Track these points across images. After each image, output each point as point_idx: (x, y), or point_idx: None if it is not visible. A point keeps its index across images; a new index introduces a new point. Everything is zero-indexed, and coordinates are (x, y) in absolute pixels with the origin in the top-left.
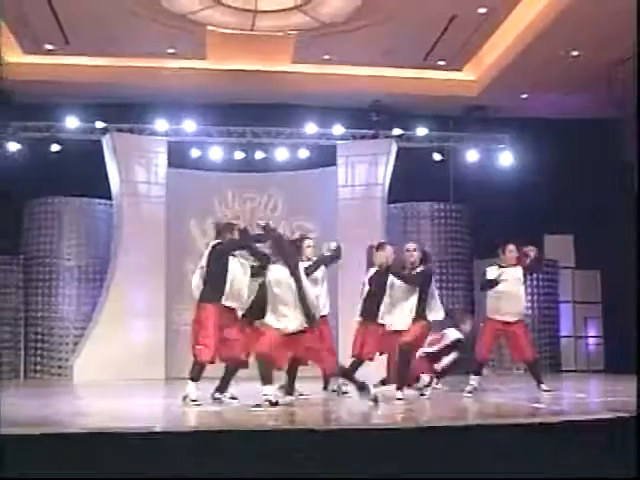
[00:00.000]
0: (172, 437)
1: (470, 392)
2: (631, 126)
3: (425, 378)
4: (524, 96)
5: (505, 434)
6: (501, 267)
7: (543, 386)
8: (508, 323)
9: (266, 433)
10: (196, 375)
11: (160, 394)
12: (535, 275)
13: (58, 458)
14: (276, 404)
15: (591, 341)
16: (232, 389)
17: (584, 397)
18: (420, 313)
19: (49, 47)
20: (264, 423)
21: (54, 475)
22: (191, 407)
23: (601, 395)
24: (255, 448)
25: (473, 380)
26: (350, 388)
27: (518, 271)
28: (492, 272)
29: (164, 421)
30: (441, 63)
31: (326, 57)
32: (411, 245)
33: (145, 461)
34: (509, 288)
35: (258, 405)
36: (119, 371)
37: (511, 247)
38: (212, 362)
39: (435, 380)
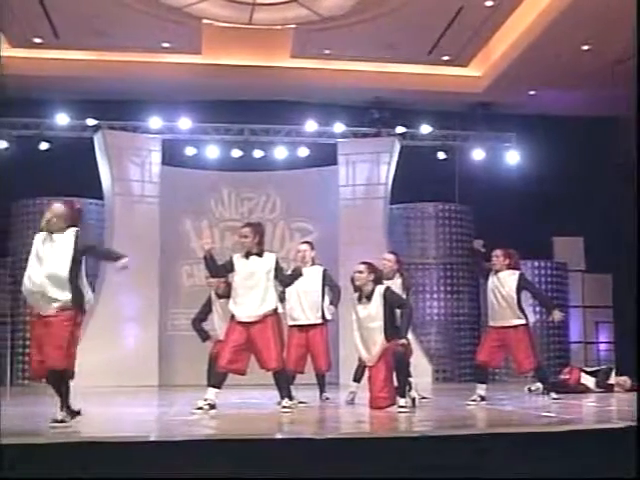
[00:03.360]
0: (167, 446)
1: (474, 400)
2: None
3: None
4: (532, 92)
5: (511, 443)
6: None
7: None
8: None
9: (264, 442)
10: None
11: (154, 402)
12: (544, 279)
13: (46, 469)
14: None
15: (602, 347)
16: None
17: (595, 405)
18: None
19: (38, 40)
20: (262, 431)
21: None
22: (190, 415)
23: (613, 403)
24: (254, 457)
25: (480, 388)
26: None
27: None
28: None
29: (158, 430)
30: (446, 58)
31: (326, 52)
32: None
33: (138, 471)
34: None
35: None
36: (111, 378)
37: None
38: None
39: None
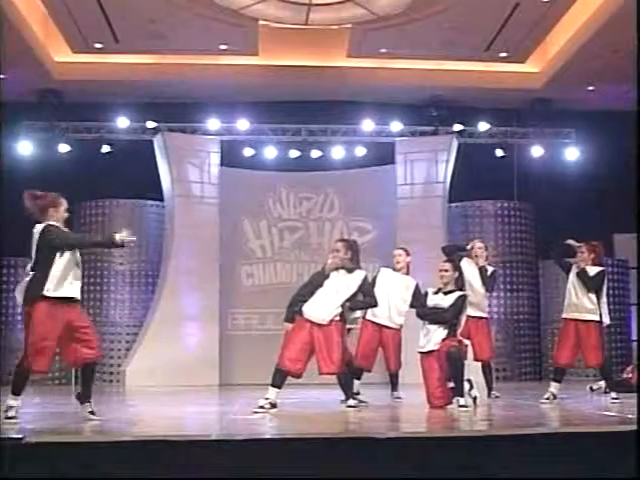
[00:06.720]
0: (228, 445)
1: (547, 399)
2: None
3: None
4: (591, 88)
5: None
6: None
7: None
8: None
9: (325, 441)
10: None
11: (214, 401)
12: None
13: (110, 467)
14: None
15: None
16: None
17: None
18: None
19: (98, 46)
20: (324, 430)
21: None
22: (252, 414)
23: None
24: (316, 456)
25: (553, 387)
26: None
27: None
28: None
29: (219, 429)
30: (503, 55)
31: (383, 51)
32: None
33: (199, 470)
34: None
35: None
36: (172, 377)
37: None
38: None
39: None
